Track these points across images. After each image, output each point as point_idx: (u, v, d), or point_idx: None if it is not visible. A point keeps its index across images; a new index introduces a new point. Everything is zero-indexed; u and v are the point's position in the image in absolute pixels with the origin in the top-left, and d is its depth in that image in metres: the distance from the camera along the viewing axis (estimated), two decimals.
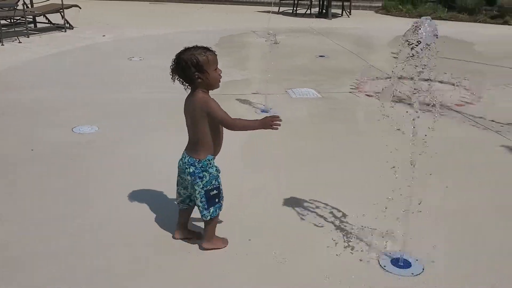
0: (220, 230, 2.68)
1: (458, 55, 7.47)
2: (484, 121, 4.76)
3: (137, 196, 3.18)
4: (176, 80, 2.51)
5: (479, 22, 11.37)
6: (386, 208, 2.71)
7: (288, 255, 2.60)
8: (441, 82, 6.03)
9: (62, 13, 9.23)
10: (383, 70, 6.49)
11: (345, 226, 2.88)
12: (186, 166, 2.48)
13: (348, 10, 12.95)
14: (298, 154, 3.98)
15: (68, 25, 9.41)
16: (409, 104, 5.07)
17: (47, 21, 9.54)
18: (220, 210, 2.59)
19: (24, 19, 8.81)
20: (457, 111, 5.07)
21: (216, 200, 2.55)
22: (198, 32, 9.54)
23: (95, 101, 5.19)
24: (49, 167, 3.60)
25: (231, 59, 7.37)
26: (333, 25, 11.21)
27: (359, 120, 5.06)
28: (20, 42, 8.10)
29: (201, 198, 2.51)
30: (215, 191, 2.53)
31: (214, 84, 2.51)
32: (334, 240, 2.72)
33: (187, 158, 2.49)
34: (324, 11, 12.62)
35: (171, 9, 13.36)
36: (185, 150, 2.54)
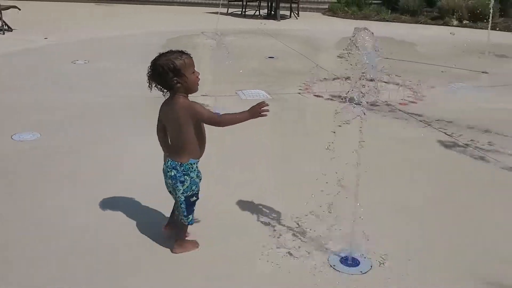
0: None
1: (401, 56, 7.72)
2: (426, 119, 4.94)
3: (81, 203, 3.07)
4: (153, 88, 2.46)
5: (421, 23, 11.81)
6: (332, 207, 2.75)
7: (234, 261, 2.58)
8: (385, 82, 6.21)
9: None
10: (330, 71, 6.61)
11: (291, 226, 2.90)
12: (169, 170, 2.49)
13: (296, 12, 13.12)
14: (248, 155, 3.98)
15: (6, 28, 8.99)
16: (356, 104, 5.19)
17: None
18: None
19: None
20: (401, 110, 5.23)
21: (194, 208, 2.56)
22: (145, 33, 9.36)
23: (36, 106, 4.97)
24: None
25: None
26: (281, 27, 11.31)
27: (308, 120, 5.13)
28: None
29: (181, 203, 2.52)
30: (194, 198, 2.54)
31: (193, 87, 2.50)
32: (281, 242, 2.73)
33: (169, 162, 2.50)
34: (272, 12, 12.72)
35: (118, 11, 13.05)
36: (167, 154, 2.55)
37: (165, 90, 2.46)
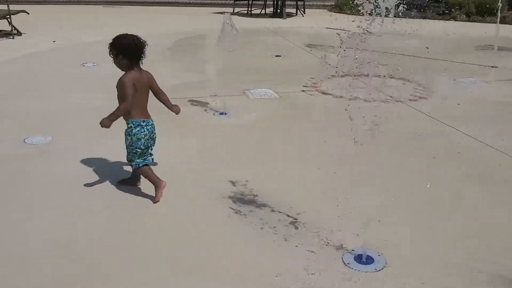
0: None
1: (408, 51, 7.68)
2: (436, 114, 4.91)
3: (101, 202, 3.10)
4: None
5: (428, 18, 11.74)
6: (345, 205, 2.75)
7: (249, 254, 2.59)
8: (393, 77, 6.18)
9: (9, 19, 8.88)
10: (338, 68, 6.59)
11: (304, 223, 2.90)
12: (154, 128, 3.20)
13: (302, 9, 13.10)
14: (260, 154, 3.99)
15: (16, 32, 9.06)
16: (365, 100, 5.18)
17: None
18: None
19: None
20: (411, 106, 5.21)
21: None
22: (152, 35, 9.36)
23: (47, 109, 5.02)
24: (2, 179, 3.47)
25: (186, 62, 7.31)
26: (288, 25, 11.30)
27: (317, 118, 5.12)
28: None
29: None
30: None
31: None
32: (297, 240, 2.74)
33: (151, 122, 3.19)
34: (278, 10, 12.70)
35: (125, 13, 13.10)
36: (147, 117, 3.17)
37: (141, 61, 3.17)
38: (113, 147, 3.96)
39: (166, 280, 2.44)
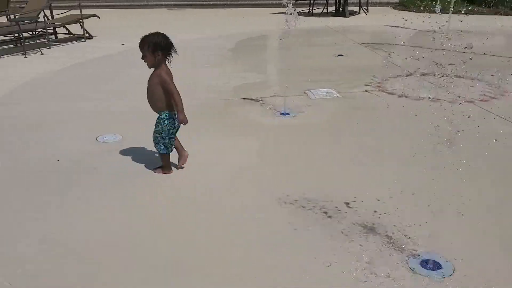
0: None
1: (479, 49, 7.33)
2: (510, 116, 4.66)
3: (164, 200, 3.20)
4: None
5: (500, 14, 11.14)
6: (413, 208, 2.67)
7: (311, 257, 2.58)
8: (461, 77, 5.92)
9: (81, 24, 9.38)
10: (403, 67, 6.42)
11: (370, 227, 2.85)
12: None
13: (365, 8, 12.86)
14: (320, 155, 3.96)
15: (87, 35, 9.56)
16: (433, 100, 5.01)
17: (67, 32, 9.71)
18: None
19: (45, 31, 8.99)
20: (481, 107, 4.97)
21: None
22: (215, 37, 9.58)
23: (117, 109, 5.25)
24: (76, 175, 3.66)
25: (248, 62, 7.39)
26: (350, 23, 11.13)
27: (381, 119, 4.99)
28: (42, 54, 8.27)
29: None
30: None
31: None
32: (361, 243, 2.70)
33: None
34: (341, 9, 12.55)
35: (188, 15, 13.46)
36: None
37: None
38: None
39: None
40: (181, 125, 3.49)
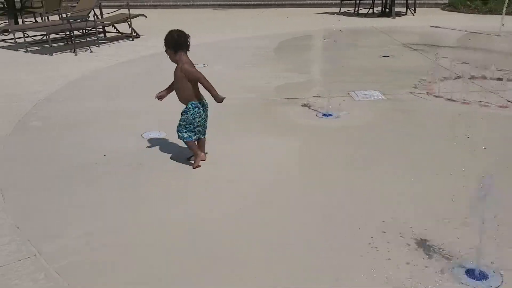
0: None
1: None
2: None
3: (199, 197, 3.24)
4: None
5: None
6: (458, 218, 2.59)
7: (354, 265, 2.54)
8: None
9: (129, 23, 9.63)
10: (451, 70, 6.22)
11: (414, 237, 2.77)
12: (207, 107, 3.71)
13: (413, 8, 12.56)
14: (363, 159, 3.90)
15: (135, 34, 9.80)
16: (483, 105, 4.83)
17: (115, 31, 9.99)
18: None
19: (94, 29, 9.28)
20: None
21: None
22: (259, 37, 9.61)
23: (162, 107, 5.33)
24: (122, 169, 3.78)
25: (291, 62, 7.36)
26: (397, 24, 10.91)
27: (428, 122, 4.86)
28: (91, 52, 8.54)
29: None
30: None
31: None
32: (405, 253, 2.63)
33: (205, 102, 3.70)
34: (387, 9, 12.32)
35: (233, 15, 13.57)
36: (201, 99, 3.64)
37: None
38: (219, 145, 4.12)
39: None
40: (207, 116, 3.74)
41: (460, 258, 2.52)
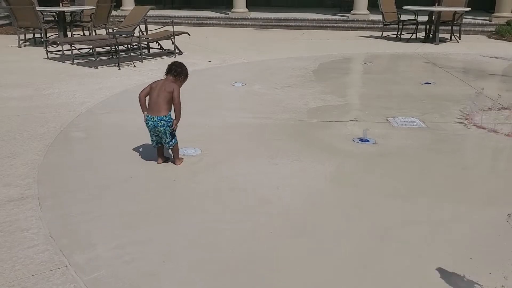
0: None
1: None
2: None
3: (238, 217, 3.23)
4: None
5: None
6: (501, 255, 2.47)
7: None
8: None
9: (173, 40, 9.85)
10: (495, 100, 6.03)
11: (449, 273, 2.67)
12: (157, 123, 4.02)
13: (458, 35, 12.32)
14: (397, 187, 3.80)
15: (178, 51, 10.01)
16: None
17: (159, 47, 10.24)
18: (177, 141, 4.16)
19: (139, 45, 9.55)
20: None
21: (175, 135, 4.15)
22: (298, 58, 9.63)
23: (199, 124, 5.41)
24: (158, 184, 3.83)
25: (329, 85, 7.31)
26: (440, 51, 10.71)
27: (468, 154, 4.71)
28: (134, 66, 8.76)
29: (167, 136, 4.07)
30: (173, 131, 4.11)
31: None
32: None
33: (157, 117, 4.02)
34: (431, 35, 12.12)
35: (274, 36, 13.67)
36: (149, 112, 4.05)
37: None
38: (249, 164, 4.11)
39: None
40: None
41: None
